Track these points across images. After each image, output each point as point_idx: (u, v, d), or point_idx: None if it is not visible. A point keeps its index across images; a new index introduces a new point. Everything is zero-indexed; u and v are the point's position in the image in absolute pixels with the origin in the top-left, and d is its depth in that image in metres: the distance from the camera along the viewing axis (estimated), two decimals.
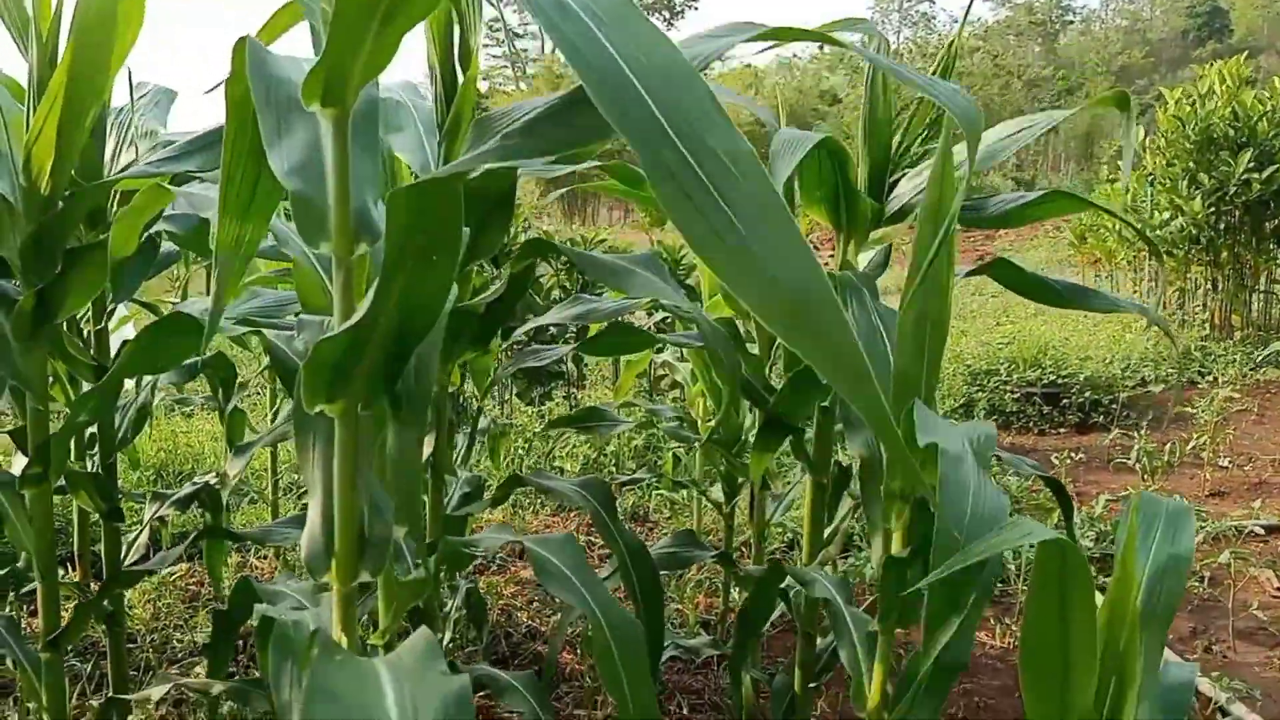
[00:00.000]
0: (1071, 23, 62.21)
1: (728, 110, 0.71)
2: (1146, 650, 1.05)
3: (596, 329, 2.07)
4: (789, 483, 2.85)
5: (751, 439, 2.62)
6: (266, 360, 3.14)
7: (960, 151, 1.35)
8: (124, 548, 2.03)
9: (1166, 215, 8.67)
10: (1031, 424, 6.14)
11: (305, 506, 0.99)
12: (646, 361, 3.46)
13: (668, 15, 60.98)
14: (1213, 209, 8.41)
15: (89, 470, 1.99)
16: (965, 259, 1.61)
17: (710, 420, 2.94)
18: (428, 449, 1.59)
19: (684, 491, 4.13)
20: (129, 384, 2.07)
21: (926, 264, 1.07)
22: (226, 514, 2.18)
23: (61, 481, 1.81)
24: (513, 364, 1.84)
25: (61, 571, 1.83)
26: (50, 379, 1.75)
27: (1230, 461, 5.22)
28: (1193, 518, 1.21)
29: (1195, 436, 5.20)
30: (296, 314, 1.50)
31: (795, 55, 54.65)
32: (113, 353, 1.94)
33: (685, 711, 2.64)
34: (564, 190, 2.33)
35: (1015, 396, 6.31)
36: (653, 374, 4.66)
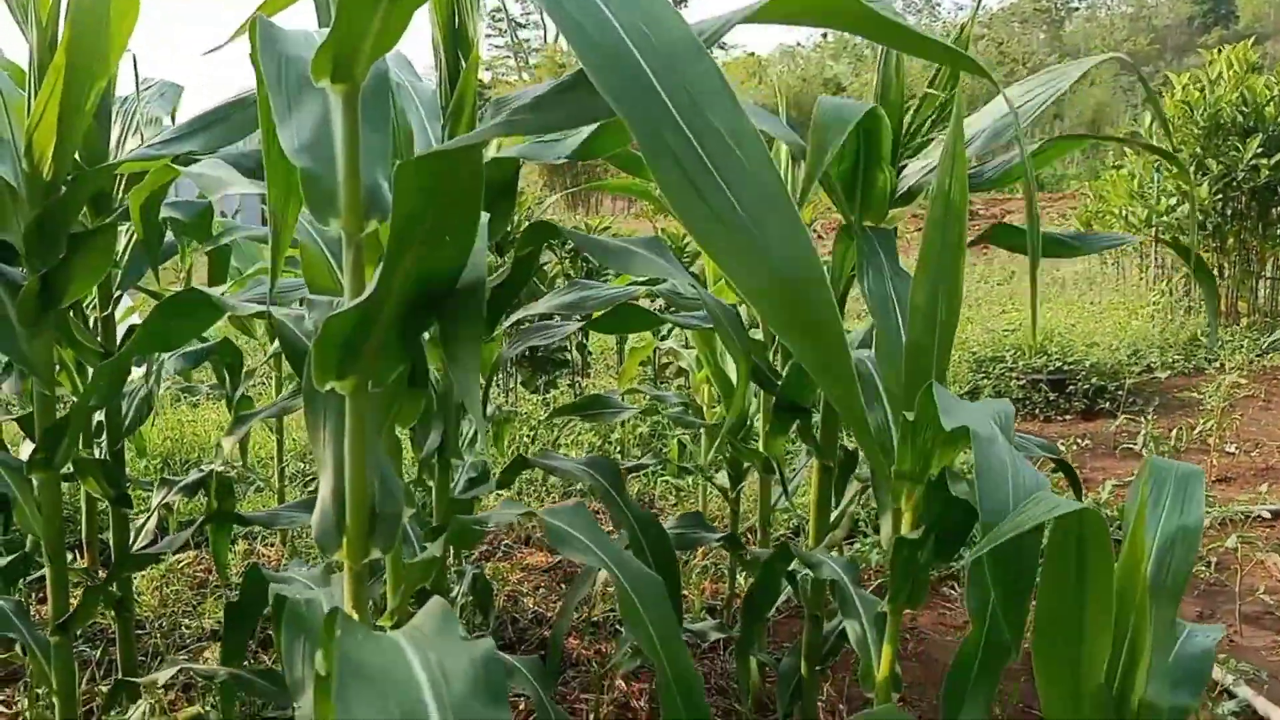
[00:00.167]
0: (1077, 9, 61.85)
1: None
2: (1157, 623, 1.03)
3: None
4: (794, 469, 2.84)
5: (757, 424, 2.62)
6: (272, 349, 3.14)
7: (970, 127, 1.35)
8: (132, 534, 2.03)
9: (1173, 201, 8.63)
10: (1037, 411, 6.13)
11: (312, 493, 0.99)
12: (651, 348, 3.46)
13: None
14: (1220, 195, 8.37)
15: (97, 457, 2.00)
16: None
17: (716, 406, 2.94)
18: (435, 434, 1.59)
19: (689, 478, 4.13)
20: (136, 373, 2.08)
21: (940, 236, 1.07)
22: (233, 501, 2.18)
23: (70, 469, 1.82)
24: (519, 342, 1.83)
25: (70, 557, 1.84)
26: (57, 367, 1.75)
27: (1237, 447, 5.21)
28: (1202, 480, 1.17)
29: (1202, 422, 5.19)
30: (302, 300, 1.50)
31: (799, 43, 54.50)
32: (119, 341, 1.95)
33: None
34: (565, 192, 2.31)
35: (1021, 383, 6.30)
36: (657, 361, 4.65)
